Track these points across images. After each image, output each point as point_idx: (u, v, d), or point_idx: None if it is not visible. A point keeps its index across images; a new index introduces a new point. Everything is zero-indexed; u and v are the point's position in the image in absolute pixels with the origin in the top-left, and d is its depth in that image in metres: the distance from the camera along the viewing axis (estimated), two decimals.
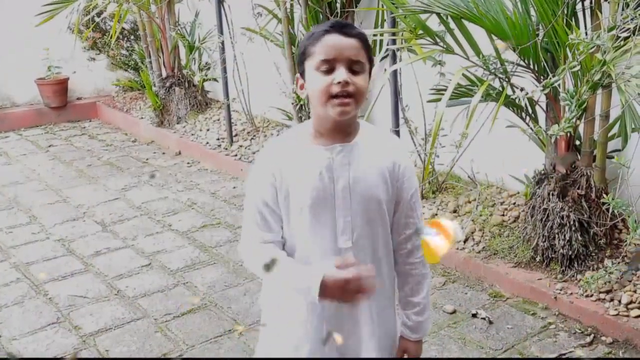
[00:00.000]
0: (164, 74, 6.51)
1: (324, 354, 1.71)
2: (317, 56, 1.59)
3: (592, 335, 2.97)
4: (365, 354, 1.73)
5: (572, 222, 3.25)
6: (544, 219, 3.32)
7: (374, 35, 4.54)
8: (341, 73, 1.56)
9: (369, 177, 1.66)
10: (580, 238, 3.25)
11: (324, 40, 1.59)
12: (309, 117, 1.74)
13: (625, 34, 2.74)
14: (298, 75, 1.68)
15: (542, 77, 3.22)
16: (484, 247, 3.61)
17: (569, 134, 3.26)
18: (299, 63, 1.67)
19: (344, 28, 1.60)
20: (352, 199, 1.64)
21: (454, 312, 3.24)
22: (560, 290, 3.19)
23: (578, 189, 3.29)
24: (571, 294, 3.16)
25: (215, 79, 6.45)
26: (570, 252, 3.25)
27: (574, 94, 2.84)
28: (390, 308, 1.80)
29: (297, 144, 1.69)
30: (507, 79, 3.29)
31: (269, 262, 1.59)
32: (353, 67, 1.58)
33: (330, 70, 1.58)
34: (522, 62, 3.27)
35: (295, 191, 1.65)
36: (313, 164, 1.64)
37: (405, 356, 1.84)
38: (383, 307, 1.76)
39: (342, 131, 1.66)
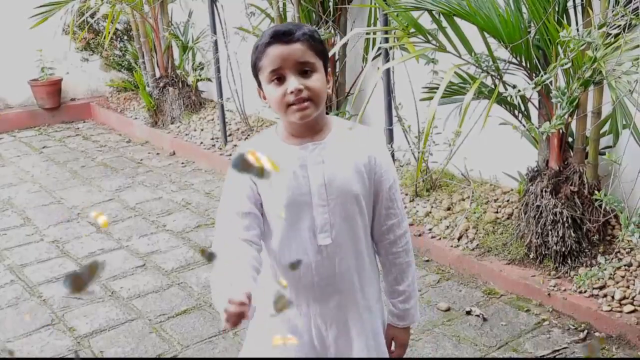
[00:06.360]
0: (158, 74, 6.50)
1: (310, 354, 1.72)
2: (266, 69, 1.58)
3: (586, 331, 2.98)
4: (356, 352, 1.73)
5: (565, 219, 3.25)
6: (537, 216, 3.33)
7: (367, 33, 4.55)
8: (292, 82, 1.56)
9: (345, 173, 1.65)
10: (573, 234, 3.26)
11: (267, 53, 1.57)
12: None
13: (615, 31, 2.74)
14: (257, 87, 1.67)
15: (534, 75, 3.22)
16: (477, 245, 3.62)
17: (561, 131, 3.27)
18: (254, 76, 1.66)
19: (283, 36, 1.57)
20: (329, 196, 1.64)
21: (448, 309, 3.24)
22: (554, 286, 3.20)
23: (571, 185, 3.30)
24: (564, 290, 3.17)
25: (209, 79, 6.45)
26: (563, 249, 3.26)
27: (565, 90, 2.84)
28: (379, 302, 1.81)
29: (269, 145, 1.67)
30: (499, 77, 3.29)
31: (209, 254, 1.34)
32: (303, 70, 1.57)
33: (281, 79, 1.57)
34: (514, 60, 3.28)
35: (271, 192, 1.64)
36: (286, 163, 1.64)
37: (393, 342, 1.86)
38: (370, 301, 1.77)
39: (312, 130, 1.65)
